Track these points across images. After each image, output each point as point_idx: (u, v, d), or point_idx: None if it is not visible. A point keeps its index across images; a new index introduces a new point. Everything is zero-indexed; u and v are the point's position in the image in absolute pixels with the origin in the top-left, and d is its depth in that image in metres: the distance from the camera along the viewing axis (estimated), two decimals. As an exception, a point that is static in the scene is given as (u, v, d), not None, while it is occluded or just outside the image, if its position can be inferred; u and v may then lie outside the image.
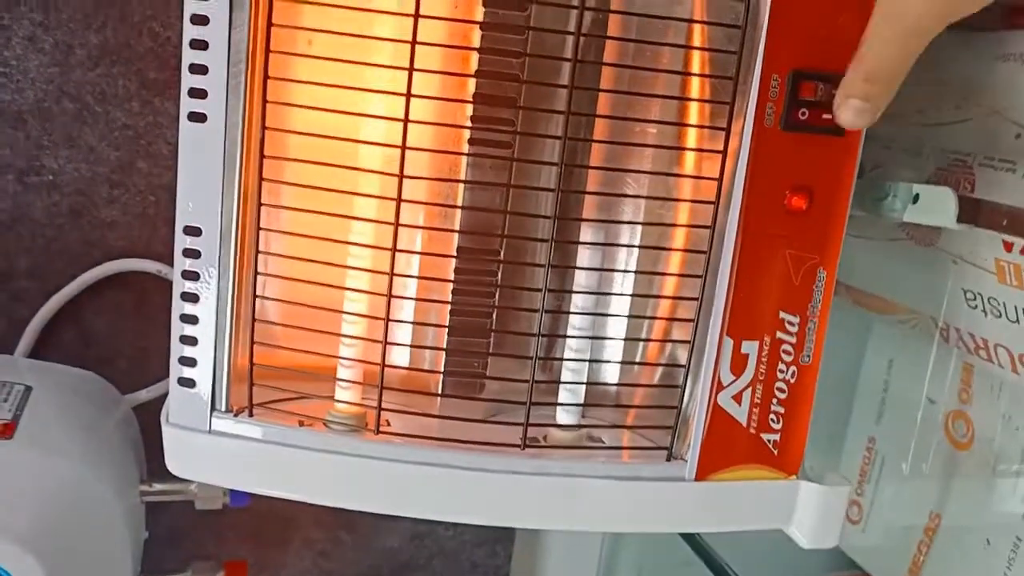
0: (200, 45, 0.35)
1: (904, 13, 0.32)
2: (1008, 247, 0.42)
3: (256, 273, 0.37)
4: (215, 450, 0.38)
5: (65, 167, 0.54)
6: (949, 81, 0.46)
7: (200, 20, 0.35)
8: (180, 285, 0.37)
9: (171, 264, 0.37)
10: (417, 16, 0.34)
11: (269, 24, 0.35)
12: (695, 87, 0.37)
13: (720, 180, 0.36)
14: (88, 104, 0.53)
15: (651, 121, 0.37)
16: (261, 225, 0.37)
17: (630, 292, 0.39)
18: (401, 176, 0.35)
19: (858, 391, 0.59)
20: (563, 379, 0.39)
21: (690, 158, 0.38)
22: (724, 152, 0.36)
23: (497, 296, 0.39)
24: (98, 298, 0.56)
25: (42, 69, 0.53)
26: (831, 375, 0.39)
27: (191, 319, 0.37)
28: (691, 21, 0.37)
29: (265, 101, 0.35)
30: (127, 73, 0.53)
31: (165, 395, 0.39)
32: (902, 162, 0.49)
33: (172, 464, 0.38)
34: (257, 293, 0.37)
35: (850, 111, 0.34)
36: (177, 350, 0.38)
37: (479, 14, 0.36)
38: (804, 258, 0.37)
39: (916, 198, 0.39)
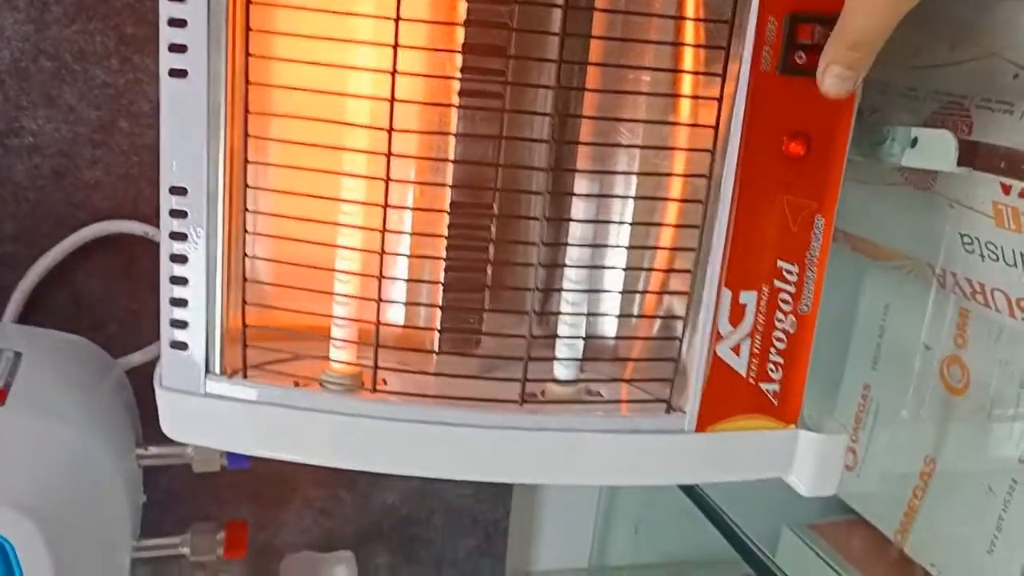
0: (178, -2, 0.34)
1: None
2: (1006, 190, 0.41)
3: (245, 232, 0.36)
4: (210, 413, 0.38)
5: (45, 127, 0.53)
6: (944, 23, 0.46)
7: (178, -28, 0.33)
8: (168, 247, 0.36)
9: (157, 225, 0.36)
10: (403, -37, 0.33)
11: (249, -25, 0.34)
12: (689, 32, 0.36)
13: (716, 127, 0.35)
14: (66, 62, 0.52)
15: (645, 68, 0.37)
16: (248, 183, 0.36)
17: (626, 244, 0.39)
18: (390, 130, 0.34)
19: (854, 337, 0.59)
20: (560, 333, 0.39)
21: (686, 105, 0.37)
22: (720, 98, 0.35)
23: (492, 251, 0.38)
24: (86, 261, 0.55)
25: (17, 27, 0.51)
26: (826, 321, 0.39)
27: (180, 281, 0.37)
28: (685, -37, 0.36)
29: (247, 55, 0.34)
30: (104, 29, 0.52)
31: (158, 358, 0.38)
32: (899, 105, 0.48)
33: (167, 428, 0.38)
34: (247, 253, 0.37)
35: (834, 79, 0.33)
36: (167, 312, 0.37)
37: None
38: (802, 205, 0.37)
39: (914, 142, 0.38)
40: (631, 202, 0.39)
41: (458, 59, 0.36)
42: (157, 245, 0.54)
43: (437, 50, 0.36)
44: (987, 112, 0.42)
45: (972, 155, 0.40)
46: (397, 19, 0.33)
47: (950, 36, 0.45)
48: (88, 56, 0.52)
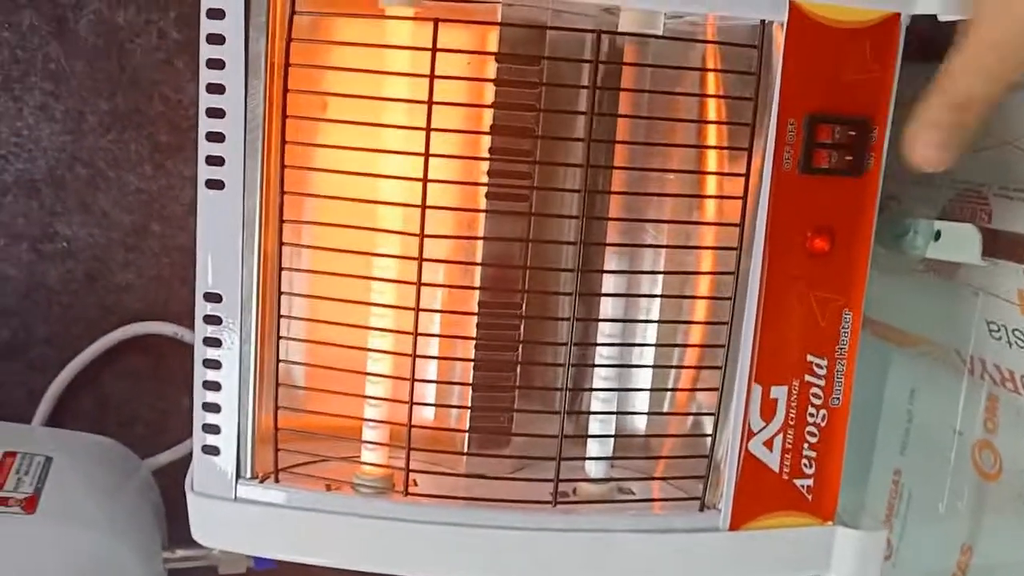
0: (216, 113, 0.35)
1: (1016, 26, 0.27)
2: (1031, 278, 0.42)
3: (279, 337, 0.37)
4: (241, 518, 0.38)
5: (79, 233, 0.54)
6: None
7: (216, 89, 0.35)
8: (202, 352, 0.37)
9: (188, 325, 0.37)
10: (432, 77, 0.34)
11: (285, 90, 0.35)
12: (712, 134, 0.37)
13: (741, 226, 0.36)
14: (101, 170, 0.54)
15: (669, 171, 0.37)
16: (282, 289, 0.37)
17: (655, 342, 0.39)
18: (422, 236, 0.35)
19: (882, 422, 0.59)
20: (591, 431, 0.39)
21: (710, 204, 0.38)
22: (744, 198, 0.36)
23: (520, 350, 0.38)
24: (115, 362, 0.56)
25: (54, 137, 0.53)
26: (853, 406, 0.38)
27: (214, 386, 0.37)
28: (705, 70, 0.37)
29: (283, 166, 0.35)
30: (139, 137, 0.53)
31: (184, 457, 0.38)
32: (915, 193, 0.48)
33: (198, 534, 0.38)
34: (280, 358, 0.37)
35: (931, 147, 0.29)
36: (200, 418, 0.37)
37: (492, 71, 0.37)
38: (829, 300, 0.37)
39: (938, 235, 0.39)
40: (658, 300, 0.39)
41: (485, 164, 0.37)
42: (185, 345, 0.55)
43: (465, 157, 0.37)
44: (1006, 200, 0.43)
45: (995, 245, 0.40)
46: (428, 129, 0.34)
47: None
48: (122, 163, 0.54)
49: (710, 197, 0.38)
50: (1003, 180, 0.43)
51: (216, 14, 0.34)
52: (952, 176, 0.46)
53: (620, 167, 0.37)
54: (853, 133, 0.35)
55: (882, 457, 0.59)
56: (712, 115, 0.37)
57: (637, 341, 0.39)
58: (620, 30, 0.36)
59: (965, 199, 0.45)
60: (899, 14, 0.35)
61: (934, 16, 0.35)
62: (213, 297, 0.36)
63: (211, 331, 0.37)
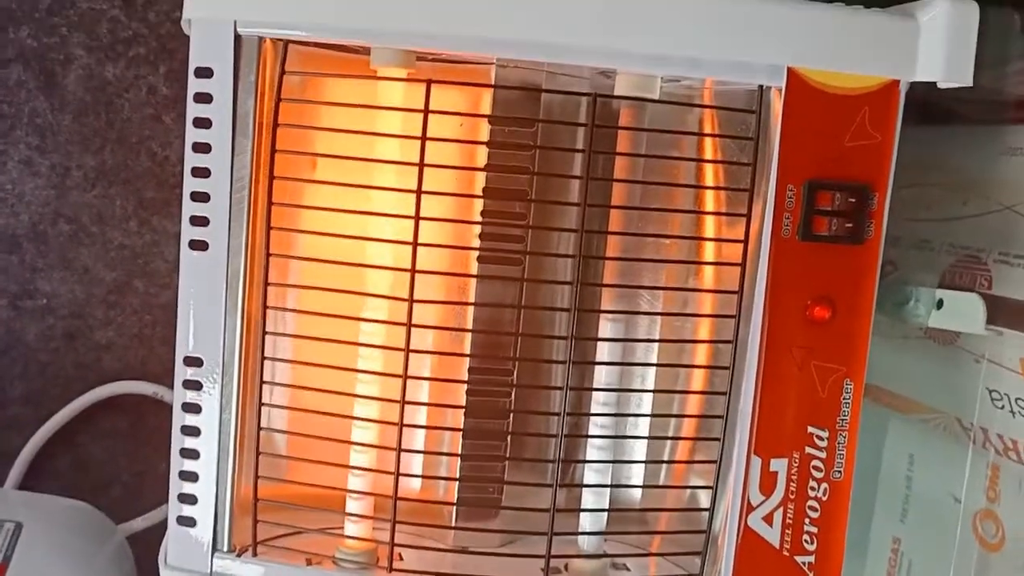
0: (202, 173, 0.34)
1: None
2: (1034, 347, 0.41)
3: (261, 404, 0.36)
4: (217, 594, 0.36)
5: (59, 290, 0.53)
6: (954, 178, 0.46)
7: (202, 148, 0.34)
8: (180, 418, 0.36)
9: (168, 384, 0.36)
10: (424, 139, 0.33)
11: (273, 150, 0.34)
12: (710, 199, 0.37)
13: (740, 293, 0.35)
14: (84, 225, 0.53)
15: (666, 236, 0.37)
16: (266, 354, 0.36)
17: (650, 411, 0.38)
18: (411, 301, 0.34)
19: (880, 488, 0.58)
20: (584, 504, 0.38)
21: (708, 271, 0.37)
22: (743, 264, 0.35)
23: (511, 419, 0.37)
24: (92, 423, 0.54)
25: (38, 192, 0.52)
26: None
27: (192, 454, 0.36)
28: (703, 135, 0.37)
29: (269, 227, 0.35)
30: (125, 193, 0.53)
31: (161, 523, 0.37)
32: (914, 258, 0.48)
33: (172, 610, 0.36)
34: (261, 425, 0.36)
35: None
36: (176, 487, 0.36)
37: (485, 133, 0.36)
38: (830, 369, 0.36)
39: (940, 303, 0.38)
40: (654, 368, 0.38)
41: (477, 228, 0.36)
42: (165, 405, 0.53)
43: (457, 221, 0.36)
44: (1006, 266, 0.42)
45: (997, 313, 0.39)
46: (419, 192, 0.33)
47: (962, 189, 0.46)
48: (107, 219, 0.53)
49: (708, 264, 0.37)
50: (1003, 246, 0.43)
51: (204, 73, 0.34)
52: (951, 241, 0.46)
53: (616, 232, 0.36)
54: (853, 200, 0.35)
55: (881, 525, 0.57)
56: (710, 180, 0.37)
57: (632, 411, 0.38)
58: (616, 93, 0.35)
59: (965, 265, 0.44)
60: (898, 81, 0.34)
61: (934, 83, 0.34)
62: (194, 361, 0.35)
63: (191, 397, 0.35)
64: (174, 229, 0.53)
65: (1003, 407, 0.43)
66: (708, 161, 0.37)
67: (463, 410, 0.37)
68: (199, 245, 0.34)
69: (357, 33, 0.34)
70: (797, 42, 0.34)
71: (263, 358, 0.36)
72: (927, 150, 0.46)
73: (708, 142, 0.37)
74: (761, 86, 0.34)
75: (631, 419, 0.38)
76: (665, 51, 0.34)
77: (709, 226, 0.37)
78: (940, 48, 0.34)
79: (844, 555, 0.38)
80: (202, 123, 0.34)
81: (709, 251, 0.37)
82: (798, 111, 0.34)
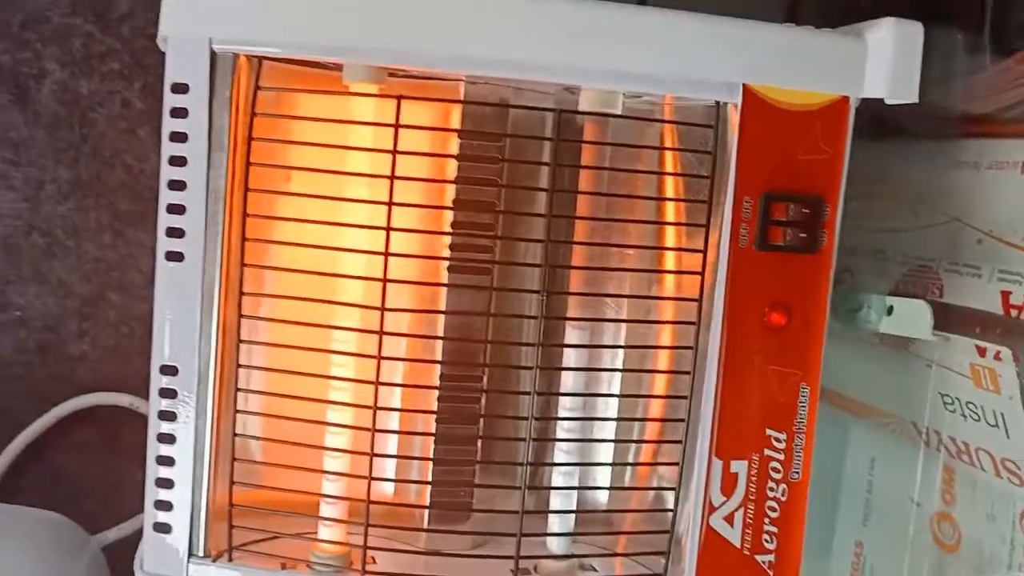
0: (178, 185, 0.35)
1: None
2: (982, 352, 0.42)
3: (236, 411, 0.36)
4: (193, 599, 0.36)
5: (33, 302, 0.53)
6: (905, 190, 0.48)
7: (178, 161, 0.35)
8: (156, 426, 0.36)
9: (144, 396, 0.36)
10: (395, 152, 0.34)
11: (248, 163, 0.35)
12: (671, 210, 0.38)
13: (700, 300, 0.36)
14: (58, 238, 0.53)
15: (628, 246, 0.38)
16: (240, 362, 0.36)
17: (616, 415, 0.39)
18: (383, 309, 0.35)
19: (842, 493, 0.59)
20: (552, 506, 0.39)
21: (669, 279, 0.38)
22: (703, 273, 0.36)
23: (481, 424, 0.38)
24: (66, 434, 0.54)
25: (11, 205, 0.52)
26: (815, 476, 0.39)
27: (167, 461, 0.36)
28: (663, 148, 0.38)
29: (244, 239, 0.35)
30: (99, 206, 0.53)
31: (136, 533, 0.37)
32: (869, 267, 0.50)
33: (147, 616, 0.37)
34: (237, 432, 0.37)
35: None
36: (152, 494, 0.36)
37: (455, 146, 0.37)
38: (787, 374, 0.37)
39: (890, 310, 0.40)
40: (619, 374, 0.39)
41: (447, 238, 0.37)
42: (141, 417, 0.53)
43: (428, 232, 0.37)
44: (956, 275, 0.44)
45: (946, 319, 0.41)
46: (390, 204, 0.35)
47: (913, 201, 0.47)
48: (81, 231, 0.53)
49: (669, 272, 0.38)
50: (952, 256, 0.44)
51: (180, 88, 0.34)
52: (904, 251, 0.47)
53: (580, 243, 0.37)
54: (807, 211, 0.36)
55: (844, 528, 0.59)
56: (670, 192, 0.38)
57: (599, 415, 0.39)
58: (580, 109, 0.37)
59: (917, 274, 0.46)
60: (848, 97, 0.36)
61: (883, 99, 0.36)
62: (169, 370, 0.36)
63: (166, 405, 0.36)
64: (149, 242, 0.53)
65: (954, 411, 0.45)
66: (669, 174, 0.38)
67: (435, 415, 0.38)
68: (175, 256, 0.35)
69: (330, 50, 0.35)
70: (752, 60, 0.35)
71: (238, 366, 0.36)
72: (879, 163, 0.48)
73: (669, 155, 0.38)
74: (718, 102, 0.36)
75: (597, 423, 0.39)
76: (626, 68, 0.35)
77: (670, 236, 0.38)
78: (887, 66, 0.36)
79: (803, 554, 0.39)
80: (178, 137, 0.35)
81: (670, 260, 0.39)
82: (753, 126, 0.36)
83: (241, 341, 0.36)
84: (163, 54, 0.35)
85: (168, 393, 0.36)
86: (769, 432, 0.37)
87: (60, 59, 0.52)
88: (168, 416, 0.36)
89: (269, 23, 0.34)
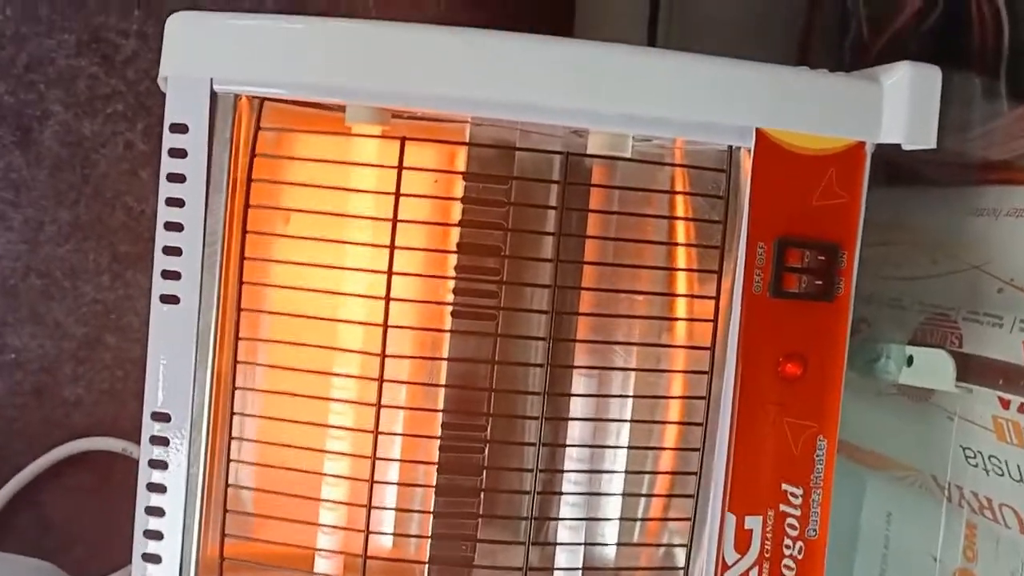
0: (175, 227, 0.34)
1: None
2: (1005, 404, 0.41)
3: (229, 460, 0.35)
4: (180, 659, 0.35)
5: (29, 344, 0.52)
6: (923, 237, 0.47)
7: (176, 203, 0.34)
8: (147, 475, 0.35)
9: (138, 441, 0.35)
10: (398, 195, 0.33)
11: (247, 205, 0.34)
12: (682, 255, 0.37)
13: (712, 348, 0.35)
14: (57, 279, 0.52)
15: (638, 292, 0.37)
16: (235, 409, 0.35)
17: (624, 468, 0.38)
18: (383, 356, 0.34)
19: (859, 546, 0.57)
20: (557, 562, 0.37)
21: (680, 327, 0.37)
22: (715, 320, 0.35)
23: (484, 476, 0.37)
24: (57, 480, 0.53)
25: (10, 246, 0.52)
26: (830, 529, 0.37)
27: (157, 512, 0.35)
28: (674, 192, 0.37)
29: (241, 282, 0.34)
30: (98, 247, 0.52)
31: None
32: (886, 316, 0.48)
33: (131, 676, 0.35)
34: (230, 482, 0.35)
35: None
36: (140, 546, 0.35)
37: (460, 189, 0.36)
38: (803, 426, 0.36)
39: (910, 360, 0.38)
40: (628, 425, 0.38)
41: (451, 283, 0.36)
42: (133, 462, 0.52)
43: (431, 276, 0.36)
44: (976, 324, 0.43)
45: (968, 370, 0.40)
46: (392, 247, 0.34)
47: (931, 249, 0.46)
48: (79, 273, 0.53)
49: (680, 320, 0.37)
50: (972, 304, 0.43)
51: (179, 128, 0.34)
52: (922, 300, 0.46)
53: (588, 288, 0.36)
54: (823, 258, 0.35)
55: (860, 584, 0.57)
56: (681, 237, 0.37)
57: (606, 467, 0.38)
58: (589, 152, 0.36)
59: (935, 323, 0.45)
60: (864, 143, 0.35)
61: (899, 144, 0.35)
62: (161, 417, 0.35)
63: (157, 453, 0.35)
64: (147, 284, 0.52)
65: (977, 464, 0.44)
66: (680, 218, 0.37)
67: (436, 466, 0.37)
68: (170, 299, 0.34)
69: (332, 91, 0.34)
70: (765, 104, 0.35)
71: (232, 413, 0.35)
72: (897, 210, 0.47)
73: (680, 199, 0.37)
74: (731, 146, 0.35)
75: (605, 475, 0.38)
76: (636, 111, 0.34)
77: (681, 282, 0.37)
78: (904, 111, 0.35)
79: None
80: (176, 178, 0.34)
81: (681, 307, 0.38)
82: (767, 171, 0.35)
83: (236, 387, 0.35)
84: (165, 95, 0.34)
85: (160, 441, 0.35)
86: (785, 487, 0.36)
87: (64, 101, 0.52)
88: (159, 465, 0.35)
89: (271, 64, 0.34)
